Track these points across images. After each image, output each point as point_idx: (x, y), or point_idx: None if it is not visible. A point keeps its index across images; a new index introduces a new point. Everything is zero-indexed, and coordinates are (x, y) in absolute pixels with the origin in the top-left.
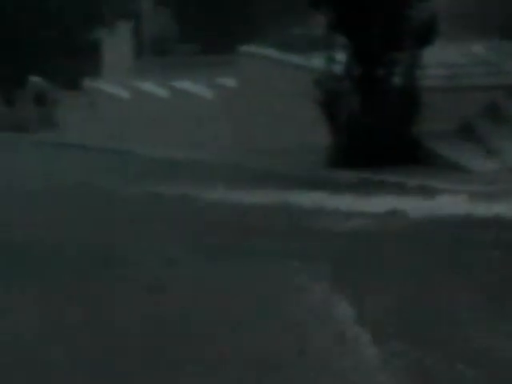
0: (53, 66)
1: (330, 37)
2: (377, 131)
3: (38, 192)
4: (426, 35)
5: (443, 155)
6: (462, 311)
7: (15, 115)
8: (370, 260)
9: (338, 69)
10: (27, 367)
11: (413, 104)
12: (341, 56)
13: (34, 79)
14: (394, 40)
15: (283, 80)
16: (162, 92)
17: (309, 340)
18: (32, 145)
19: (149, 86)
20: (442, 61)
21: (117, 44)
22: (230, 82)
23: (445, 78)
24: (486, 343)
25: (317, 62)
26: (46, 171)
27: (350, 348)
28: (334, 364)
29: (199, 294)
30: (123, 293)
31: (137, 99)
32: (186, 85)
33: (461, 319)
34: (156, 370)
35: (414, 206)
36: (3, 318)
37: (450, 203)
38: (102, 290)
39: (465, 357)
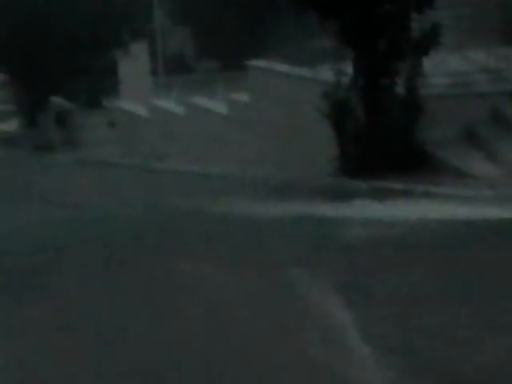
0: (73, 87)
1: (338, 50)
2: (382, 140)
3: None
4: (427, 45)
5: (448, 161)
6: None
7: (39, 135)
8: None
9: (345, 81)
10: None
11: (416, 112)
12: (348, 68)
13: (56, 100)
14: (397, 51)
15: (293, 93)
16: (178, 109)
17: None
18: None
19: (166, 104)
20: (445, 69)
21: (134, 63)
22: (243, 96)
23: (448, 86)
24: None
25: (325, 74)
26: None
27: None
28: None
29: None
30: None
31: (155, 117)
32: (201, 101)
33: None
34: None
35: (421, 212)
36: None
37: (456, 208)
38: None
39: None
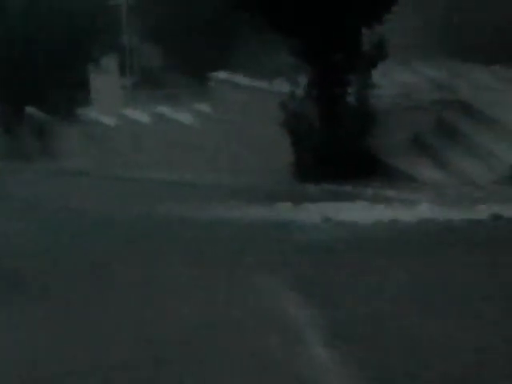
0: (48, 99)
1: (294, 64)
2: (335, 147)
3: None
4: (375, 58)
5: (397, 168)
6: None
7: (15, 144)
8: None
9: (300, 92)
10: None
11: (367, 121)
12: (304, 80)
13: (31, 111)
14: (349, 64)
15: (252, 103)
16: (146, 119)
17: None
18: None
19: (134, 114)
20: (394, 81)
21: (104, 76)
22: (206, 107)
23: (397, 97)
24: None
25: (282, 86)
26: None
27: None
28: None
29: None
30: None
31: (124, 126)
32: (167, 111)
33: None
34: None
35: (371, 215)
36: None
37: (403, 210)
38: None
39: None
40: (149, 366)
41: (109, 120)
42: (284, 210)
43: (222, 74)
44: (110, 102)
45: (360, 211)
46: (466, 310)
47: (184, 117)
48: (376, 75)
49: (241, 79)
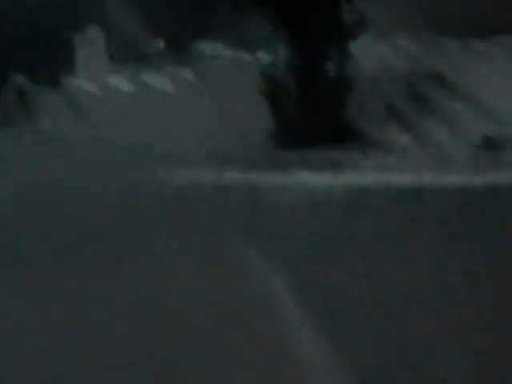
0: (32, 66)
1: (276, 35)
2: (313, 115)
3: None
4: (355, 32)
5: (371, 135)
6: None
7: (0, 111)
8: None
9: (281, 62)
10: None
11: (344, 91)
12: (285, 51)
13: (16, 76)
14: (328, 36)
15: (233, 73)
16: (129, 87)
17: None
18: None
19: (118, 82)
20: (370, 53)
21: (89, 45)
22: (188, 76)
23: (373, 68)
24: None
25: (263, 56)
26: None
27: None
28: None
29: None
30: None
31: (107, 94)
32: (150, 80)
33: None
34: None
35: (345, 180)
36: None
37: (377, 175)
38: None
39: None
40: None
41: (93, 88)
42: (260, 175)
43: (204, 45)
44: (95, 70)
45: (333, 176)
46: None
47: (167, 85)
48: (354, 47)
49: (223, 49)
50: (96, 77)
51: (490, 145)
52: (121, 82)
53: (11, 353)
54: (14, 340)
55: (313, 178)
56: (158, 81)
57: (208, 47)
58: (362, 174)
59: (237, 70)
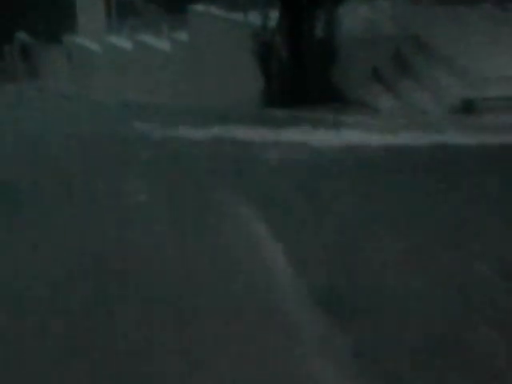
0: (35, 24)
1: None
2: (302, 77)
3: None
4: None
5: (355, 96)
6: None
7: (5, 66)
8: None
9: (272, 25)
10: None
11: (331, 53)
12: (276, 14)
13: (20, 34)
14: (315, 1)
15: (227, 34)
16: (127, 46)
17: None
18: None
19: (117, 41)
20: (357, 16)
21: (90, 3)
22: (184, 36)
23: (359, 32)
24: None
25: (255, 19)
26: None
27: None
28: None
29: None
30: None
31: (107, 52)
32: (147, 39)
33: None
34: None
35: (330, 138)
36: None
37: (358, 134)
38: None
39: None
40: None
41: (93, 46)
42: (250, 132)
43: (199, 6)
44: (95, 29)
45: (320, 133)
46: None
47: (163, 45)
48: (341, 11)
49: (217, 11)
50: (96, 35)
51: (469, 107)
52: (119, 41)
53: None
54: None
55: (300, 135)
56: (154, 40)
57: (202, 9)
58: (347, 133)
59: (229, 30)
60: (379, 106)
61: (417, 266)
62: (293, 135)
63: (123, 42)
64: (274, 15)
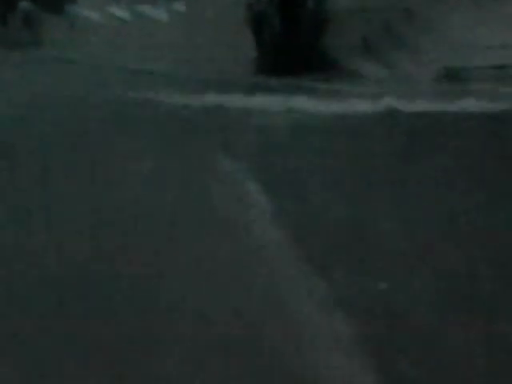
0: None
1: None
2: (294, 46)
3: None
4: None
5: (347, 65)
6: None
7: (9, 34)
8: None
9: None
10: None
11: (323, 23)
12: None
13: (23, 3)
14: None
15: (222, 4)
16: (126, 16)
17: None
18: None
19: (117, 11)
20: None
21: None
22: (181, 6)
23: (350, 3)
24: None
25: None
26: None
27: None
28: None
29: None
30: None
31: (107, 22)
32: (146, 9)
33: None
34: None
35: (324, 105)
36: None
37: (350, 101)
38: None
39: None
40: None
41: (94, 15)
42: (243, 98)
43: None
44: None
45: (311, 100)
46: None
47: (161, 15)
48: None
49: None
50: (97, 6)
51: (454, 75)
52: (119, 11)
53: None
54: None
55: (292, 102)
56: (152, 11)
57: None
58: (338, 100)
59: (225, 2)
60: (368, 75)
61: None
62: (285, 101)
63: (122, 12)
64: None
